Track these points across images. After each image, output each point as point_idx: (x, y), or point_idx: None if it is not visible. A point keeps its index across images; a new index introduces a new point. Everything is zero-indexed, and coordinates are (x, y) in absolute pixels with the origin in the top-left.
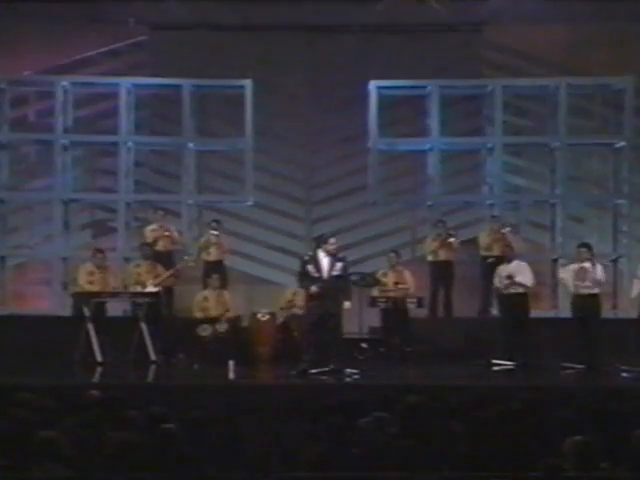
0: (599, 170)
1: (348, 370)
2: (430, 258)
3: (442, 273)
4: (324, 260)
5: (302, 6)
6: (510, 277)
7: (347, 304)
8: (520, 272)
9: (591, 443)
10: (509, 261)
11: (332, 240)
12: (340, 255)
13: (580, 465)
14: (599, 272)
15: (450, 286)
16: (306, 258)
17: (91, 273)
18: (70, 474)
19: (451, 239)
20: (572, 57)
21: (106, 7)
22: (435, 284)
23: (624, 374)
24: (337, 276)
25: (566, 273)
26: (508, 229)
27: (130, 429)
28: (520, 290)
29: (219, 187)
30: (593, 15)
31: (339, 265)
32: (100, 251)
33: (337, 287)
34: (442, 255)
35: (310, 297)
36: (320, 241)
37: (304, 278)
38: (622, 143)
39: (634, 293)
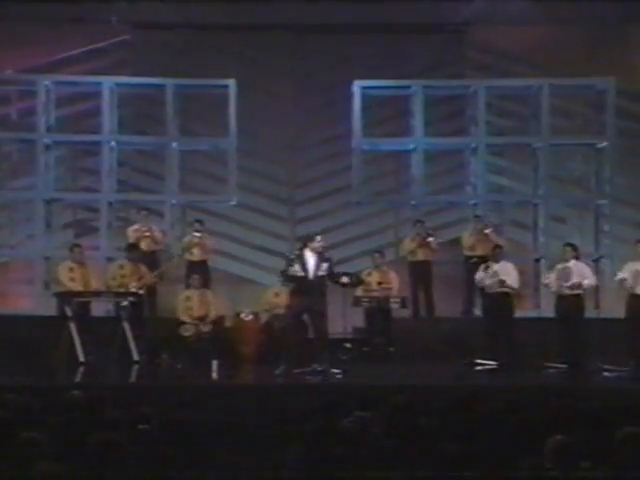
0: (581, 170)
1: (331, 370)
2: (409, 258)
3: (420, 273)
4: (310, 259)
5: (286, 6)
6: (500, 279)
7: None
8: (507, 274)
9: (572, 443)
10: (495, 261)
11: (318, 238)
12: (327, 255)
13: (561, 465)
14: (584, 277)
15: (429, 286)
16: (292, 257)
17: (71, 270)
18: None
19: (429, 239)
20: (554, 58)
21: (89, 6)
22: (414, 284)
23: (606, 374)
24: (322, 276)
25: (551, 276)
26: (490, 229)
27: (113, 429)
28: (505, 290)
29: (202, 187)
30: (575, 16)
31: (325, 265)
32: (78, 246)
33: (322, 286)
34: (420, 255)
35: (293, 294)
36: (306, 240)
37: (288, 277)
38: (604, 143)
39: (619, 276)
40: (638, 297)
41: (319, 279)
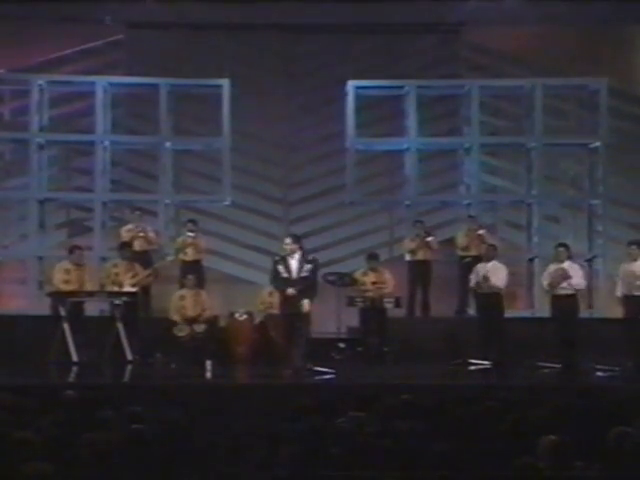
0: (574, 170)
1: (308, 369)
2: (408, 258)
3: (420, 273)
4: (293, 261)
5: (280, 5)
6: (486, 277)
7: (306, 303)
8: (495, 273)
9: (566, 442)
10: (488, 260)
11: (287, 240)
12: (310, 257)
13: (555, 464)
14: (576, 277)
15: (428, 286)
16: (276, 259)
17: (67, 271)
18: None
19: (429, 239)
20: (548, 58)
21: (83, 6)
22: (413, 284)
23: (599, 373)
24: (305, 277)
25: (546, 276)
26: (483, 231)
27: (106, 429)
28: (494, 290)
29: (196, 187)
30: (569, 16)
31: (308, 267)
32: (78, 247)
33: (305, 288)
34: (420, 255)
35: (284, 298)
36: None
37: (276, 279)
38: (597, 143)
39: (618, 292)
40: (633, 298)
41: (303, 280)
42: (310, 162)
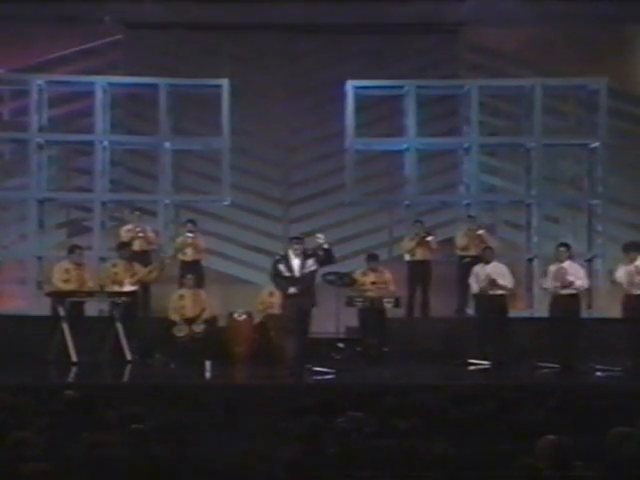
0: (574, 170)
1: (320, 369)
2: (407, 258)
3: (419, 273)
4: (295, 260)
5: (280, 5)
6: (491, 279)
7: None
8: (499, 274)
9: (565, 442)
10: (487, 262)
11: (296, 246)
12: (309, 251)
13: (554, 464)
14: (577, 277)
15: (427, 286)
16: (277, 257)
17: (67, 271)
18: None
19: (429, 238)
20: (547, 58)
21: (82, 6)
22: (412, 284)
23: (599, 373)
24: (312, 272)
25: (547, 279)
26: (483, 231)
27: (106, 429)
28: (499, 291)
29: (196, 187)
30: (568, 16)
31: (311, 262)
32: (78, 247)
33: (311, 285)
34: (419, 255)
35: (286, 297)
36: (291, 241)
37: (277, 278)
38: (596, 143)
39: (617, 275)
40: (633, 297)
41: (307, 275)
42: (309, 162)
